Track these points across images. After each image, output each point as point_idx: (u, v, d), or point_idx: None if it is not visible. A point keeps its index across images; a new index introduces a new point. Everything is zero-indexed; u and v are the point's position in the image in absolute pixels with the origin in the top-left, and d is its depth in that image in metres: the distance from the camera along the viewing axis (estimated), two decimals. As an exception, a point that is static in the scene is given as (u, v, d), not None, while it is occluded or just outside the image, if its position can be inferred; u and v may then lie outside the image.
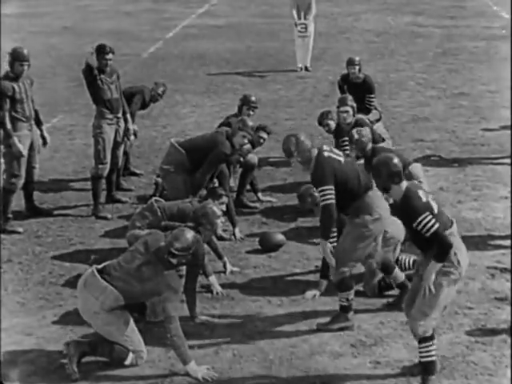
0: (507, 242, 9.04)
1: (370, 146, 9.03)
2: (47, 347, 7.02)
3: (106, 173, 10.12)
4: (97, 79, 9.90)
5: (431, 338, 6.39)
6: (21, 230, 9.58)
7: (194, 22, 23.79)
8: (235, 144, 9.35)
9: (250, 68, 18.00)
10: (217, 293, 7.99)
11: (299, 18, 17.50)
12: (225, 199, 8.64)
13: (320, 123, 10.79)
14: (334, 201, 6.97)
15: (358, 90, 11.50)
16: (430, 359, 6.42)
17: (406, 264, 8.17)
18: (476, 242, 9.12)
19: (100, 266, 6.83)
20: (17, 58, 9.38)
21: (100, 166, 10.06)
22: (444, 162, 11.82)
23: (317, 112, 11.99)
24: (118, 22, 23.53)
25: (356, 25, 23.16)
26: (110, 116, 10.05)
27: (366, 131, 9.18)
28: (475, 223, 9.67)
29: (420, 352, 6.42)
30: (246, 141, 9.40)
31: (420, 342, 6.39)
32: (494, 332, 7.23)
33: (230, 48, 20.05)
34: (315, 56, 18.06)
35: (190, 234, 6.78)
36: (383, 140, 10.54)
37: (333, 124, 10.59)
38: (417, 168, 9.18)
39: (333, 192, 7.01)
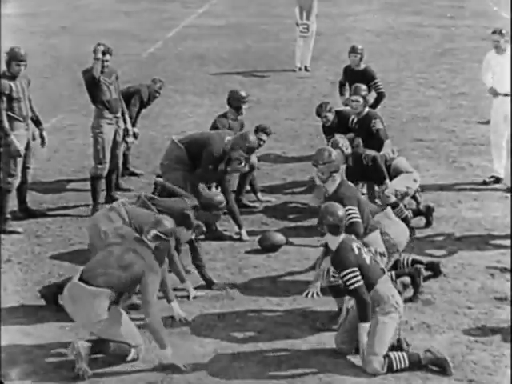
0: (507, 242, 9.04)
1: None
2: (46, 347, 7.02)
3: (105, 173, 10.13)
4: (96, 80, 9.91)
5: (390, 368, 6.55)
6: (20, 230, 9.58)
7: (194, 22, 23.76)
8: (232, 157, 9.31)
9: (249, 68, 17.98)
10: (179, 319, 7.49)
11: (301, 19, 17.50)
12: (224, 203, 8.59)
13: (319, 115, 10.92)
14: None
15: (359, 79, 11.45)
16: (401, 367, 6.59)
17: (405, 263, 8.20)
18: (476, 242, 9.14)
19: (77, 276, 6.84)
20: (14, 57, 9.37)
21: (99, 166, 10.07)
22: (444, 162, 11.81)
23: (316, 112, 12.00)
24: (118, 22, 23.49)
25: (356, 25, 23.13)
26: (110, 116, 10.06)
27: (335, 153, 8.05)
28: (475, 223, 9.66)
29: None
30: (241, 158, 9.35)
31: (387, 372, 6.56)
32: (493, 332, 7.24)
33: (230, 48, 20.03)
34: (315, 56, 18.04)
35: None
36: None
37: (331, 116, 10.67)
38: (401, 162, 9.59)
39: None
